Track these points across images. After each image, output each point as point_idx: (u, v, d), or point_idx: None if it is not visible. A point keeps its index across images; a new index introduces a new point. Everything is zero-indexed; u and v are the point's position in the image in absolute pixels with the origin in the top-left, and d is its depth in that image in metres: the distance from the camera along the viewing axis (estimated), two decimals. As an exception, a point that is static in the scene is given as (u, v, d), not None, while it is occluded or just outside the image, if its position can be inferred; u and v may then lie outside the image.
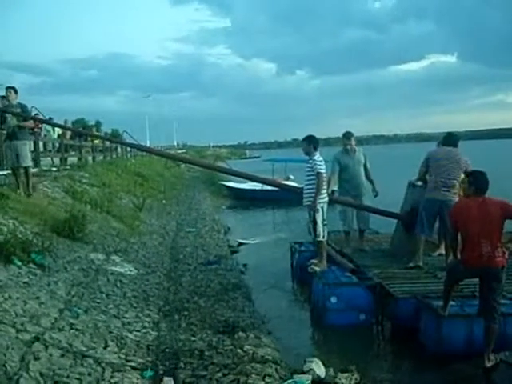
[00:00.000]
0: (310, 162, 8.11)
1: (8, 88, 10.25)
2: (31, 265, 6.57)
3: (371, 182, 9.54)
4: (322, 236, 8.18)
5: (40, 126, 16.78)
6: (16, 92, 10.26)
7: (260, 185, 20.27)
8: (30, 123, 10.93)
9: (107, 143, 27.93)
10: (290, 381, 4.85)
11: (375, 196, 9.48)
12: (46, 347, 4.61)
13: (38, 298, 5.71)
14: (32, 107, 10.41)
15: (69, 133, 21.34)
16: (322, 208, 8.06)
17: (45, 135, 19.19)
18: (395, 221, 9.48)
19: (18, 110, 10.07)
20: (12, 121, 10.01)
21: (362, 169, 9.37)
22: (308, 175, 8.17)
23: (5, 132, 10.56)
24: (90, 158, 23.83)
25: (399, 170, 9.12)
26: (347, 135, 9.50)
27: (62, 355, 4.62)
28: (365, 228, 9.78)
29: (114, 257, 8.93)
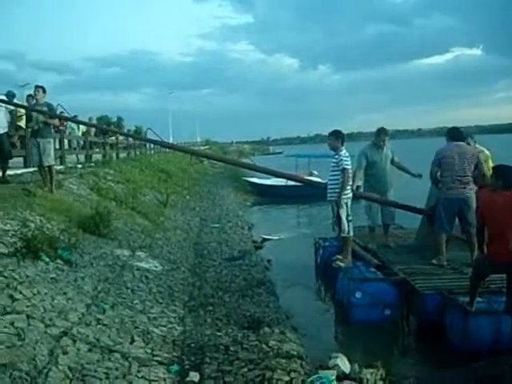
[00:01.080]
0: (336, 157, 8.07)
1: (37, 87, 10.37)
2: (58, 261, 6.63)
3: (405, 169, 9.50)
4: (347, 232, 8.15)
5: (65, 124, 16.95)
6: (44, 91, 10.37)
7: (284, 180, 20.27)
8: (56, 121, 11.04)
9: (130, 140, 28.14)
10: (315, 376, 4.85)
11: (420, 177, 9.33)
12: (74, 342, 4.67)
13: (65, 293, 5.78)
14: (58, 105, 10.53)
15: (93, 130, 21.56)
16: (347, 204, 8.04)
17: (69, 133, 19.40)
18: (420, 216, 9.40)
19: (45, 109, 10.18)
20: (39, 117, 10.12)
21: (389, 165, 9.30)
22: (333, 170, 8.14)
23: (30, 130, 10.68)
24: (114, 155, 24.02)
25: (424, 164, 9.03)
26: (384, 131, 9.43)
27: (90, 350, 4.68)
28: (390, 223, 9.72)
29: (139, 252, 9.00)
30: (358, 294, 7.29)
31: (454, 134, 8.11)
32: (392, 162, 9.37)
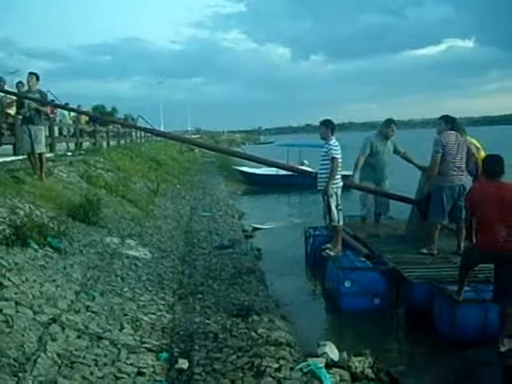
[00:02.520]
0: (326, 146, 8.10)
1: (30, 74, 10.32)
2: (47, 248, 6.62)
3: (411, 160, 9.49)
4: (337, 221, 8.18)
5: (55, 111, 16.87)
6: (38, 78, 10.33)
7: (274, 170, 20.27)
8: (48, 108, 10.99)
9: (121, 128, 28.04)
10: (303, 364, 4.87)
11: (425, 170, 9.27)
12: (63, 329, 4.67)
13: (54, 280, 5.77)
14: (48, 92, 10.47)
15: (83, 118, 21.44)
16: (336, 193, 8.06)
17: (60, 120, 19.29)
18: (410, 206, 9.44)
19: (37, 96, 10.12)
20: (31, 104, 10.07)
21: (388, 157, 9.29)
22: (323, 160, 8.16)
23: (21, 117, 10.62)
24: (104, 143, 23.92)
25: (414, 154, 9.09)
26: (394, 122, 9.46)
27: (79, 337, 4.69)
28: (384, 213, 9.76)
29: (128, 241, 8.99)
30: (348, 283, 7.32)
31: (453, 124, 8.13)
32: (395, 152, 9.37)
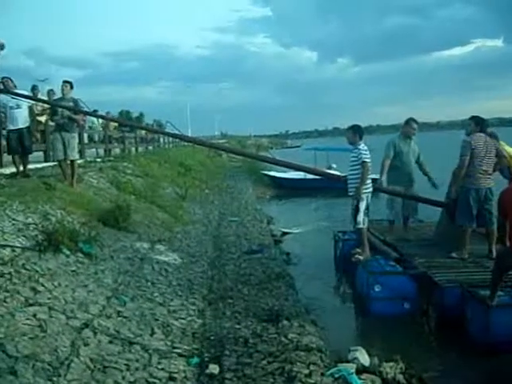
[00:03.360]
0: (356, 151, 8.08)
1: (64, 82, 10.48)
2: (79, 254, 6.70)
3: (427, 174, 9.41)
4: (362, 224, 8.15)
5: (85, 118, 17.09)
6: (72, 87, 10.49)
7: (302, 174, 20.23)
8: (81, 117, 11.15)
9: (149, 134, 28.27)
10: (334, 369, 4.84)
11: (436, 188, 9.24)
12: (95, 334, 4.72)
13: (86, 285, 5.84)
14: (77, 99, 10.60)
15: (112, 124, 21.68)
16: (367, 197, 8.03)
17: (89, 127, 19.53)
18: (439, 209, 9.34)
19: (71, 104, 10.26)
20: (64, 112, 10.21)
21: (413, 158, 9.23)
22: (352, 164, 8.14)
23: (54, 124, 10.78)
24: (133, 149, 24.16)
25: (443, 157, 9.01)
26: (414, 120, 9.41)
27: (111, 342, 4.73)
28: (413, 216, 9.68)
29: (158, 246, 9.05)
30: (377, 288, 7.27)
31: (482, 125, 8.03)
32: (418, 159, 9.31)
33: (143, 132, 27.21)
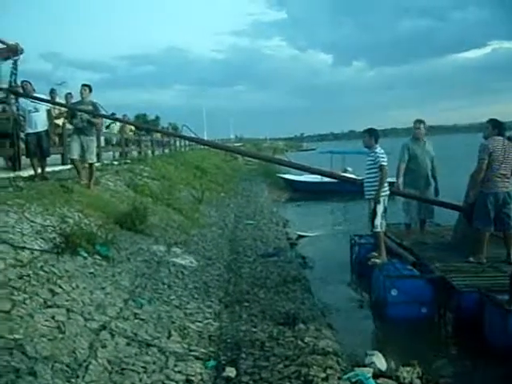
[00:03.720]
0: (372, 154, 8.08)
1: (83, 86, 10.53)
2: (96, 256, 6.74)
3: (435, 179, 9.37)
4: (379, 227, 8.12)
5: (102, 121, 17.20)
6: (91, 90, 10.55)
7: (318, 177, 20.21)
8: (100, 120, 11.22)
9: (165, 137, 28.41)
10: (351, 373, 4.83)
11: (436, 195, 9.28)
12: (113, 336, 4.75)
13: (103, 288, 5.88)
14: (96, 103, 10.67)
15: (128, 127, 21.81)
16: (384, 200, 8.01)
17: (106, 126, 19.63)
18: (457, 213, 9.28)
19: (90, 108, 10.33)
20: (83, 115, 10.28)
21: (429, 160, 9.21)
22: (369, 168, 8.13)
23: (72, 127, 10.86)
24: (149, 152, 24.28)
25: (460, 160, 8.96)
26: (418, 120, 9.41)
27: (128, 344, 4.76)
28: (429, 218, 9.63)
29: (174, 248, 9.08)
30: (394, 292, 7.23)
31: (499, 129, 7.96)
32: (432, 161, 9.28)
33: (159, 135, 27.33)
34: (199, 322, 6.02)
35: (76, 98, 11.61)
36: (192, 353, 5.08)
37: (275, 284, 8.16)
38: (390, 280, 7.34)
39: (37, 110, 10.53)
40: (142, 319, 5.48)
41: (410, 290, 7.21)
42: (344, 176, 12.77)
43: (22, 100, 10.54)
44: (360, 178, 9.19)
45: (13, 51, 10.58)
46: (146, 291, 6.44)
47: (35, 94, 10.70)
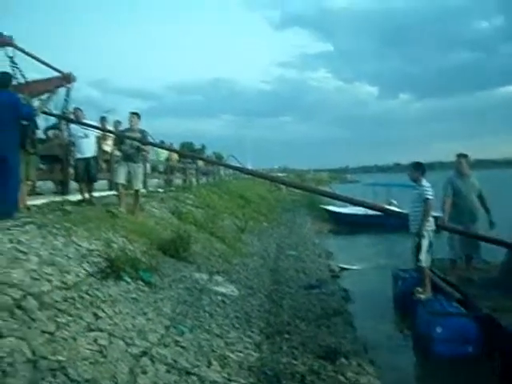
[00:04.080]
0: (418, 188, 7.99)
1: (132, 114, 10.76)
2: (139, 282, 6.80)
3: (487, 211, 9.18)
4: (424, 262, 7.98)
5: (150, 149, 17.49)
6: (139, 118, 10.76)
7: (362, 209, 20.00)
8: (148, 148, 11.42)
9: (210, 166, 28.69)
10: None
11: (491, 228, 9.06)
12: (153, 362, 4.76)
13: (145, 313, 5.91)
14: (144, 130, 10.88)
15: (174, 155, 22.10)
16: (429, 234, 7.88)
17: (154, 158, 19.95)
18: (505, 249, 9.04)
19: (138, 135, 10.52)
20: (134, 143, 10.47)
21: (474, 194, 9.04)
22: (415, 201, 8.03)
23: (120, 153, 11.07)
24: (194, 180, 24.51)
25: (508, 196, 8.78)
26: (460, 155, 9.27)
27: (168, 371, 4.75)
28: (475, 254, 9.40)
29: (216, 277, 9.09)
30: (439, 329, 7.05)
31: None
32: (479, 195, 9.11)
33: (202, 163, 27.60)
34: (239, 351, 5.98)
35: (124, 125, 11.86)
36: (231, 383, 5.04)
37: (317, 316, 8.08)
38: (435, 317, 7.18)
39: (86, 137, 10.81)
40: (183, 347, 5.48)
41: (455, 327, 7.03)
42: (388, 209, 12.62)
43: (72, 126, 10.81)
44: (404, 211, 9.06)
45: (66, 79, 10.91)
46: (188, 319, 6.44)
47: (86, 121, 10.97)
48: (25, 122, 7.71)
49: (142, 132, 10.64)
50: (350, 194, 14.63)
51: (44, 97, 11.26)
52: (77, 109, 11.16)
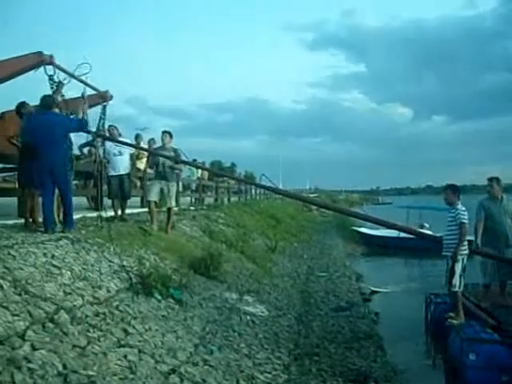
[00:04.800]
0: (453, 211, 7.87)
1: (164, 132, 10.92)
2: (170, 299, 6.83)
3: None
4: (457, 287, 7.84)
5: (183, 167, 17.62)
6: (171, 136, 10.91)
7: (394, 232, 19.83)
8: (181, 166, 11.55)
9: (241, 185, 28.80)
10: None
11: None
12: (182, 380, 4.75)
13: (175, 331, 5.92)
14: (178, 149, 10.99)
15: (206, 174, 22.26)
16: (463, 259, 7.75)
17: (188, 176, 20.12)
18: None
19: (171, 154, 10.63)
20: (165, 162, 10.60)
21: (508, 218, 8.91)
22: (450, 225, 7.91)
23: (152, 171, 11.20)
24: (225, 199, 24.62)
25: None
26: (489, 179, 9.17)
27: (196, 390, 4.74)
28: (509, 279, 9.22)
29: (246, 297, 9.07)
30: (472, 356, 6.87)
31: None
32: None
33: (233, 182, 27.72)
34: (268, 372, 5.94)
35: (158, 143, 12.00)
36: (260, 404, 5.01)
37: (346, 339, 7.99)
38: (469, 343, 7.01)
39: (121, 154, 10.96)
40: (211, 366, 5.46)
41: (489, 355, 6.84)
42: (421, 232, 12.47)
43: (107, 143, 10.98)
44: (438, 234, 8.95)
45: (103, 98, 11.11)
46: (217, 338, 6.43)
47: (120, 139, 11.12)
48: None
49: (175, 151, 10.75)
50: (383, 215, 14.51)
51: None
52: (112, 126, 11.34)
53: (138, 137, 14.24)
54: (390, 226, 10.94)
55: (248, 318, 7.88)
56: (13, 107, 8.89)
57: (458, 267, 7.72)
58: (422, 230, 16.91)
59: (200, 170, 20.69)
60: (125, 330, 5.18)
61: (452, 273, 7.79)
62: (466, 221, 7.73)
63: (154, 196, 10.60)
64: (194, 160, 16.94)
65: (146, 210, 11.77)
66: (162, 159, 10.62)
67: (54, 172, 7.58)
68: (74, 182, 11.62)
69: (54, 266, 5.84)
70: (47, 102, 8.07)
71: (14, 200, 8.82)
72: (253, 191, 35.44)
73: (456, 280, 7.79)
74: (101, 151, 10.87)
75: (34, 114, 8.05)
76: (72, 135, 8.49)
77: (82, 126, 8.26)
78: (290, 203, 37.75)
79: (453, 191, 8.07)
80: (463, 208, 7.88)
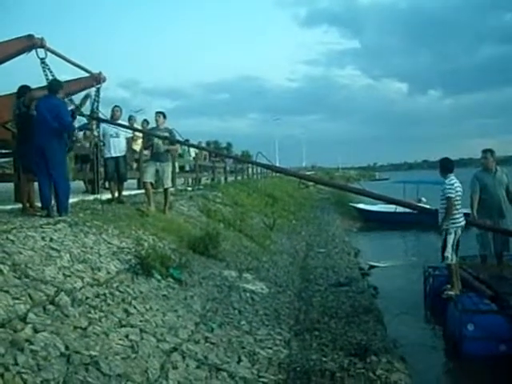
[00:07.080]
0: (443, 185, 7.91)
1: (157, 113, 10.90)
2: (169, 279, 6.87)
3: None
4: (450, 259, 7.88)
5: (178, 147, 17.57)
6: (165, 117, 10.89)
7: (391, 207, 19.88)
8: (176, 147, 11.53)
9: (238, 164, 28.76)
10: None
11: None
12: (184, 358, 4.80)
13: (175, 310, 5.96)
14: (172, 129, 10.95)
15: (203, 154, 22.20)
16: (456, 231, 7.78)
17: (180, 155, 20.08)
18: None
19: (166, 134, 10.61)
20: (159, 143, 10.58)
21: (502, 189, 8.95)
22: (442, 199, 7.96)
23: (148, 153, 11.18)
24: (222, 179, 24.60)
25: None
26: (483, 151, 9.20)
27: (198, 367, 4.79)
28: (506, 250, 9.27)
29: (246, 274, 9.11)
30: (471, 327, 6.95)
31: None
32: (507, 189, 9.00)
33: (231, 162, 27.65)
34: (269, 348, 5.99)
35: (151, 125, 11.98)
36: (261, 379, 5.05)
37: (346, 314, 8.04)
38: (467, 314, 7.08)
39: (117, 136, 10.91)
40: (213, 343, 5.51)
41: (487, 325, 6.92)
42: (418, 206, 12.49)
43: (103, 125, 10.93)
44: (434, 208, 8.98)
45: (96, 80, 11.02)
46: (217, 315, 6.48)
47: (119, 121, 11.08)
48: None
49: (170, 131, 10.73)
50: (380, 191, 14.53)
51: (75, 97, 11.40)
52: (117, 107, 11.29)
53: (131, 118, 14.20)
54: (388, 200, 10.97)
55: (248, 295, 7.92)
56: (4, 92, 8.88)
57: (450, 240, 7.76)
58: (419, 204, 16.96)
59: (193, 150, 20.62)
60: (126, 311, 5.22)
61: (444, 246, 7.83)
62: (451, 195, 7.74)
63: (149, 177, 10.60)
64: (187, 140, 16.88)
65: (142, 191, 11.77)
66: (156, 140, 10.61)
67: (46, 154, 7.53)
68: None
69: (53, 249, 5.87)
70: (53, 86, 8.09)
71: (11, 186, 8.81)
72: (249, 170, 35.40)
73: (448, 252, 7.83)
74: (96, 133, 10.82)
75: (42, 98, 7.97)
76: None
77: (66, 127, 8.06)
78: (287, 181, 37.74)
79: (442, 165, 8.10)
80: (452, 182, 7.89)
